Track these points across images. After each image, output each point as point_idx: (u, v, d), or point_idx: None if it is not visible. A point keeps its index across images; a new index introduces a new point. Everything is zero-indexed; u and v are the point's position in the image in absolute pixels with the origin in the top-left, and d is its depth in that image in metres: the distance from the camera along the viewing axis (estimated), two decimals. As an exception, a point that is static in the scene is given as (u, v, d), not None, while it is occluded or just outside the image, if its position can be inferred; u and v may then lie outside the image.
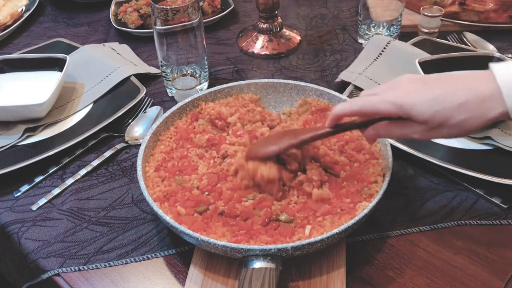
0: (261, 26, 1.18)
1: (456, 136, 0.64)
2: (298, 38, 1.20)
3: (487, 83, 0.60)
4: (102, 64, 1.08)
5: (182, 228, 0.67)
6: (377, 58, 1.07)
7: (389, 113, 0.64)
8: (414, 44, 1.08)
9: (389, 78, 0.99)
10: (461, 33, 1.15)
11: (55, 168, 0.89)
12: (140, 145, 0.80)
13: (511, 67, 0.60)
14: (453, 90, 0.61)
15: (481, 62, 0.97)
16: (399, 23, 1.14)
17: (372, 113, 0.66)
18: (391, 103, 0.63)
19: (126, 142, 0.94)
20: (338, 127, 0.71)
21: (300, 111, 0.89)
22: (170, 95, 1.05)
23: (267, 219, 0.71)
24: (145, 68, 1.11)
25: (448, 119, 0.60)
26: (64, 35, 1.28)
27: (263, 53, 1.16)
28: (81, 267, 0.74)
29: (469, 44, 1.11)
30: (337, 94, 0.87)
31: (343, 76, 1.03)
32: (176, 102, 0.95)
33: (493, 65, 0.61)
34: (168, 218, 0.68)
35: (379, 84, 0.99)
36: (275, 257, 0.64)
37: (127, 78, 1.05)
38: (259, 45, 1.17)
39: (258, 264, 0.64)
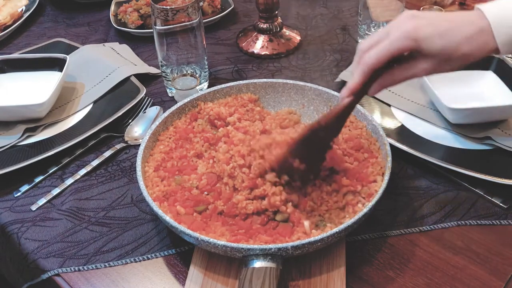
0: (261, 26, 1.18)
1: (456, 69, 0.66)
2: (298, 38, 1.20)
3: (482, 19, 0.63)
4: (102, 64, 1.08)
5: (182, 227, 0.67)
6: (377, 58, 1.07)
7: (404, 48, 0.64)
8: (414, 44, 1.08)
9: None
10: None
11: (55, 168, 0.89)
12: (139, 145, 0.80)
13: (497, 5, 0.63)
14: (459, 25, 0.63)
15: (481, 62, 0.97)
16: (399, 23, 1.14)
17: (389, 57, 0.65)
18: (406, 38, 0.63)
19: (126, 142, 0.94)
20: (357, 94, 0.67)
21: None
22: (170, 95, 1.05)
23: (266, 218, 0.71)
24: (145, 68, 1.11)
25: (455, 51, 0.63)
26: (64, 35, 1.28)
27: (263, 53, 1.16)
28: (81, 267, 0.74)
29: (469, 44, 1.10)
30: (336, 94, 0.87)
31: (343, 76, 1.03)
32: (176, 102, 0.95)
33: (479, 5, 0.64)
34: (167, 218, 0.68)
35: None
36: (275, 257, 0.64)
37: (127, 78, 1.05)
38: (259, 45, 1.17)
39: (258, 264, 0.64)
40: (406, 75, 0.66)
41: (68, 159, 0.90)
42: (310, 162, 0.71)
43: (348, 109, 0.69)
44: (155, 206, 0.70)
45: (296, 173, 0.71)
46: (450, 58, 0.63)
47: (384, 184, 0.71)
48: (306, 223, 0.69)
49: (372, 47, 0.65)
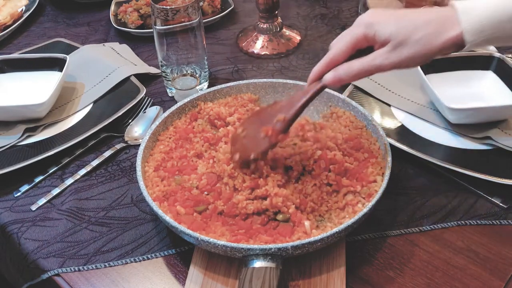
0: (261, 26, 1.18)
1: (417, 61, 0.64)
2: (298, 38, 1.20)
3: (449, 8, 0.62)
4: (102, 64, 1.08)
5: (182, 227, 0.67)
6: (377, 58, 1.07)
7: (359, 34, 0.65)
8: (414, 44, 1.08)
9: (389, 78, 1.00)
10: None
11: (55, 168, 0.89)
12: (139, 145, 0.80)
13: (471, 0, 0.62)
14: (419, 11, 0.63)
15: (481, 62, 0.97)
16: (399, 23, 1.14)
17: (348, 46, 0.66)
18: (360, 24, 0.65)
19: (126, 142, 0.94)
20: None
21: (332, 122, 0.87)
22: (170, 95, 1.05)
23: (266, 218, 0.71)
24: (145, 68, 1.11)
25: (410, 35, 0.61)
26: (64, 35, 1.28)
27: (263, 53, 1.16)
28: (81, 267, 0.74)
29: (469, 44, 1.10)
30: (336, 94, 0.87)
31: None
32: (176, 102, 0.95)
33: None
34: (167, 218, 0.68)
35: (379, 84, 0.99)
36: (275, 257, 0.64)
37: (127, 78, 1.05)
38: (259, 45, 1.17)
39: (258, 264, 0.64)
40: (363, 62, 0.65)
41: (68, 159, 0.90)
42: (252, 133, 0.74)
43: (307, 96, 0.70)
44: (155, 206, 0.70)
45: (240, 143, 0.75)
46: (406, 41, 0.61)
47: (384, 184, 0.71)
48: (307, 223, 0.69)
49: None
